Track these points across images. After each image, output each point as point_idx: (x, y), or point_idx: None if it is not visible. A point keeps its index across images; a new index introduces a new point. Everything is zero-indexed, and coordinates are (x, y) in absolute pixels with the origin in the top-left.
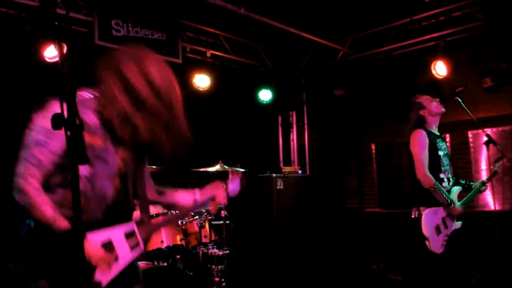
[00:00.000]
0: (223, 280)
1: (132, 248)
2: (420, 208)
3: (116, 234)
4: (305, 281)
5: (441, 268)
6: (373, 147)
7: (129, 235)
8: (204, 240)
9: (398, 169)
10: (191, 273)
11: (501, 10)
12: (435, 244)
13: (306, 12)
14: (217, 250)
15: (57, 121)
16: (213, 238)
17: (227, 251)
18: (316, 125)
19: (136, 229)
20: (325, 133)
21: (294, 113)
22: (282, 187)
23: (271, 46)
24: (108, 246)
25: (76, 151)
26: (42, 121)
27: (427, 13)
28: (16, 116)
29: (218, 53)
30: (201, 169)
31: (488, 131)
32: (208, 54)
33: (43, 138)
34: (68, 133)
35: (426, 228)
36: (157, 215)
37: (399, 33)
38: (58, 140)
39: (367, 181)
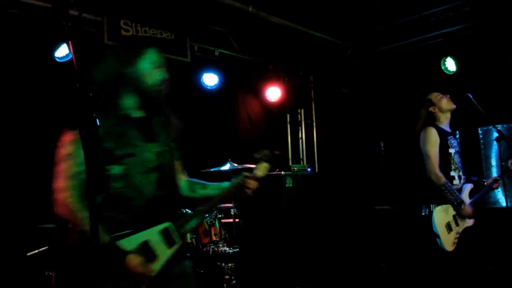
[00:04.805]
0: (233, 277)
1: (170, 245)
2: (431, 205)
3: (151, 233)
4: (315, 278)
5: (452, 266)
6: (382, 144)
7: (165, 233)
8: (214, 238)
9: (407, 166)
10: (202, 271)
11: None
12: (446, 241)
13: (314, 10)
14: (227, 248)
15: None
16: (223, 236)
17: (237, 249)
18: (325, 123)
19: (172, 225)
20: (333, 130)
21: (302, 110)
22: (291, 185)
23: (279, 44)
24: (145, 247)
25: (91, 149)
26: (69, 136)
27: (436, 9)
28: (27, 116)
29: (226, 52)
30: (212, 169)
31: (499, 127)
32: (217, 53)
33: (71, 151)
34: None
35: (437, 226)
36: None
37: (408, 29)
38: None
39: (376, 179)
